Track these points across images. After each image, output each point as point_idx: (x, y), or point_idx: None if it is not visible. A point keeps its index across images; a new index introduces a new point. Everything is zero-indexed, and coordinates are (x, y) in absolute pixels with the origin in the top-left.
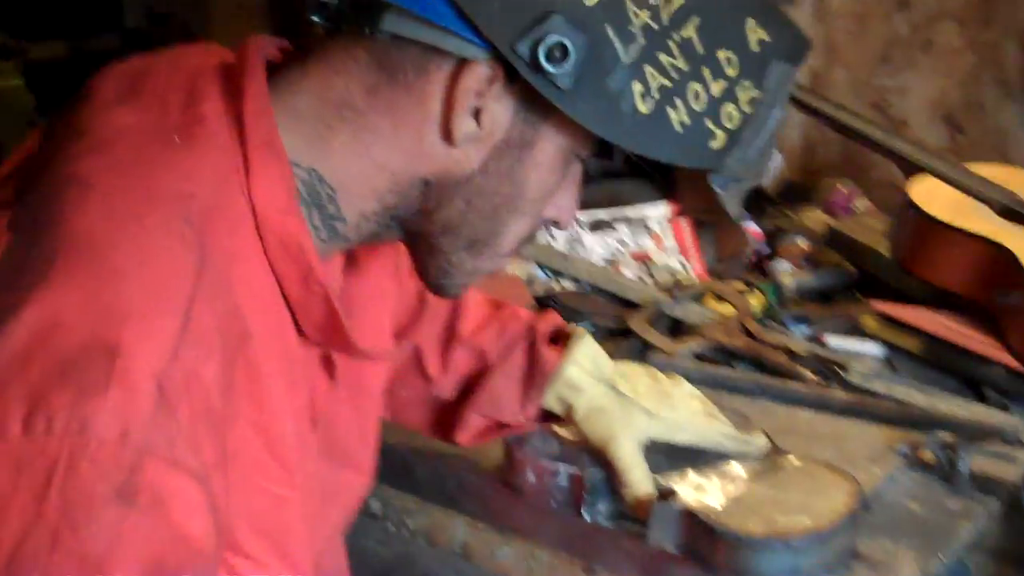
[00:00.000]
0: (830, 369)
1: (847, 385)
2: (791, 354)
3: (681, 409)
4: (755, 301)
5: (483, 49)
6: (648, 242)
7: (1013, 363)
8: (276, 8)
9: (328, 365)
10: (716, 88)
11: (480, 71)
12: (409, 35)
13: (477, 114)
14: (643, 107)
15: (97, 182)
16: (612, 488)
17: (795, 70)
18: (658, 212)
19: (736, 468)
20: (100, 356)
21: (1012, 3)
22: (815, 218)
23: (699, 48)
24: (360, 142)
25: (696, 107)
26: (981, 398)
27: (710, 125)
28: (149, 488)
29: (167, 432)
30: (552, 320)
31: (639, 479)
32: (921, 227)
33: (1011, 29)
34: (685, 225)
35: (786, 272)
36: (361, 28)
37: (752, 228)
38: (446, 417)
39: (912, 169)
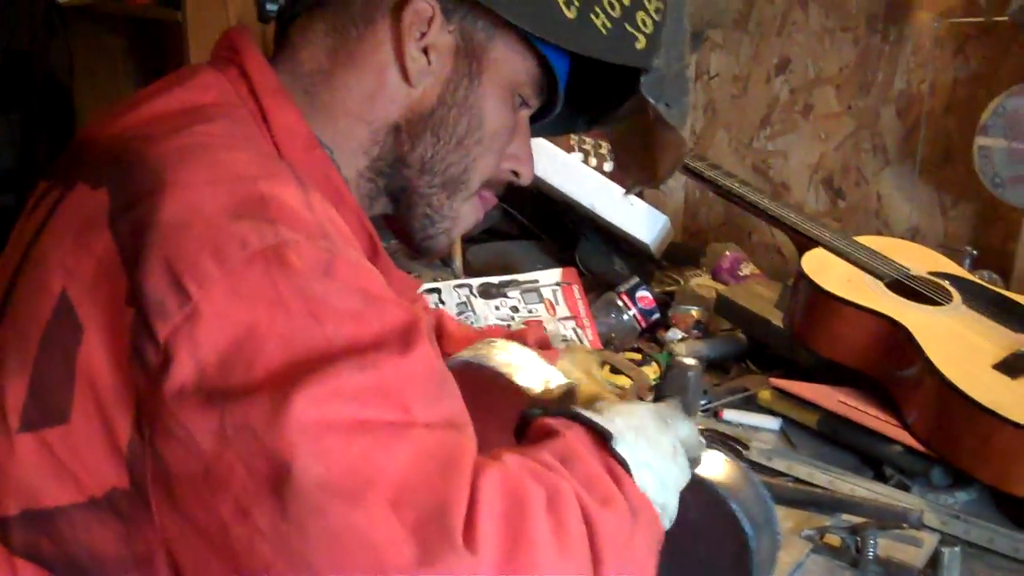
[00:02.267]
0: (731, 447)
1: (748, 463)
2: None
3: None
4: (650, 372)
5: None
6: (541, 309)
7: (911, 441)
8: (136, 49)
9: None
10: None
11: (419, 7)
12: None
13: (425, 52)
14: (569, 13)
15: (155, 133)
16: None
17: None
18: (550, 278)
19: None
20: (254, 203)
21: (888, 70)
22: (704, 284)
23: None
24: (337, 99)
25: (614, 14)
26: (881, 477)
27: (630, 29)
28: (345, 279)
29: (336, 242)
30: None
31: None
32: (814, 300)
33: (888, 96)
34: (577, 292)
35: (678, 341)
36: None
37: (644, 295)
38: None
39: (803, 240)
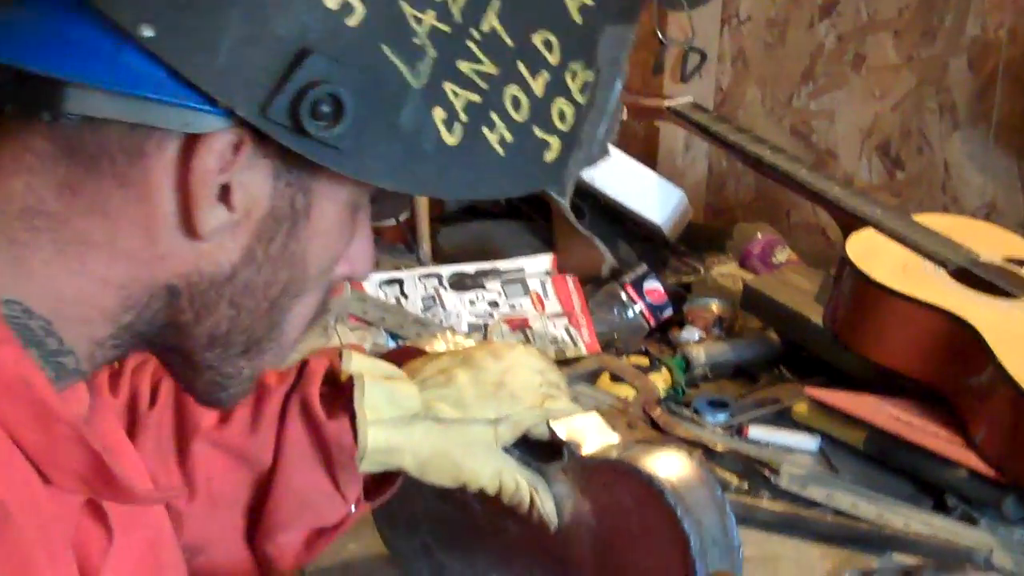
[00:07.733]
0: (757, 472)
1: (777, 491)
2: (708, 451)
3: (522, 397)
4: (660, 381)
5: (220, 117)
6: (526, 304)
7: (979, 465)
8: None
9: (96, 512)
10: (538, 85)
11: (221, 140)
12: (109, 114)
13: (226, 192)
14: (451, 137)
15: None
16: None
17: (632, 29)
18: (537, 266)
19: None
20: None
21: (958, 13)
22: (729, 273)
23: (508, 40)
24: (67, 256)
25: (518, 117)
26: (943, 507)
27: (540, 133)
28: None
29: None
30: (315, 372)
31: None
32: (861, 293)
33: (957, 44)
34: (571, 283)
35: (696, 343)
36: (37, 113)
37: (654, 287)
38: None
39: (848, 219)
